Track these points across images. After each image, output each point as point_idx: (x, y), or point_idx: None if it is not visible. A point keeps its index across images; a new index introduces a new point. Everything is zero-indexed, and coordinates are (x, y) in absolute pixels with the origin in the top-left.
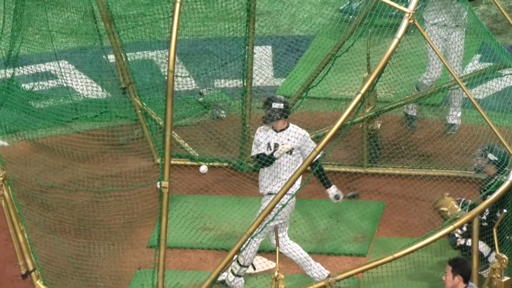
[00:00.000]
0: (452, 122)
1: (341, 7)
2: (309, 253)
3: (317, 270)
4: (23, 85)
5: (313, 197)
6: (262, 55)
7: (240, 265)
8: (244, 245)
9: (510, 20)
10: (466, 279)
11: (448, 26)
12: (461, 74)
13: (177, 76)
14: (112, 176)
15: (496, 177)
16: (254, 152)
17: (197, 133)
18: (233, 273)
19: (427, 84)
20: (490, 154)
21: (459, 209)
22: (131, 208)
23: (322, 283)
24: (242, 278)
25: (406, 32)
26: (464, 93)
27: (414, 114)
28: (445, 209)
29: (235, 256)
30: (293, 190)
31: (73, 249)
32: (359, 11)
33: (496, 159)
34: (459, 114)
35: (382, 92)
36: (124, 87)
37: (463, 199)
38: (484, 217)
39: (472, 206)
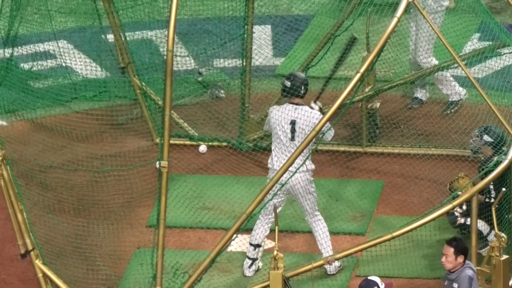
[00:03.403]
0: (453, 100)
1: None
2: (308, 232)
3: (329, 250)
4: (22, 64)
5: (313, 177)
6: (261, 34)
7: (250, 244)
8: (243, 225)
9: None
10: (466, 257)
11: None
12: (427, 60)
13: (176, 55)
14: (111, 155)
15: (494, 157)
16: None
17: (196, 112)
18: (248, 257)
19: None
20: (486, 135)
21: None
22: (130, 188)
23: (321, 262)
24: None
25: (406, 11)
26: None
27: (423, 99)
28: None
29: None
30: (292, 169)
31: (72, 229)
32: None
33: (492, 140)
34: (458, 89)
35: (382, 71)
36: (123, 67)
37: None
38: (493, 195)
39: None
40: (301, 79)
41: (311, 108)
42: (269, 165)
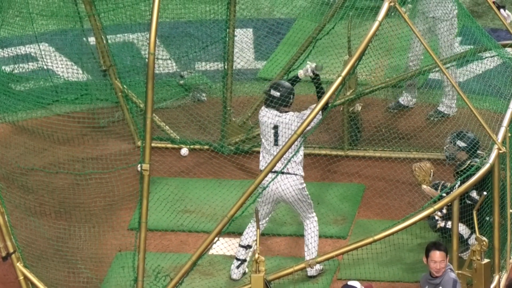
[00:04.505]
0: (442, 110)
1: None
2: (289, 235)
3: (314, 254)
4: (3, 67)
5: (303, 184)
6: (243, 37)
7: (240, 246)
8: (224, 228)
9: (491, 2)
10: None
11: (426, 15)
12: (453, 74)
13: (157, 58)
14: (92, 158)
15: (468, 161)
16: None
17: (178, 115)
18: (236, 258)
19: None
20: (459, 141)
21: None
22: (111, 191)
23: (302, 265)
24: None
25: (387, 14)
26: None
27: (404, 104)
28: (427, 164)
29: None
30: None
31: (54, 232)
32: None
33: (465, 145)
34: (453, 104)
35: (363, 75)
36: (104, 70)
37: (442, 182)
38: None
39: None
40: (289, 89)
41: (308, 70)
42: (260, 167)
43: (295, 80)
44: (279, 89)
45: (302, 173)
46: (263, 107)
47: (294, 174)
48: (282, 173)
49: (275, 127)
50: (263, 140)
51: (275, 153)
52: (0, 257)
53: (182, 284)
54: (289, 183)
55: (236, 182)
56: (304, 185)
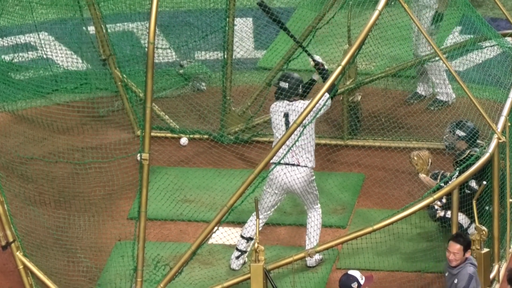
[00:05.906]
0: (441, 99)
1: None
2: (289, 225)
3: (314, 243)
4: (2, 56)
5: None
6: (243, 27)
7: (242, 237)
8: (224, 217)
9: None
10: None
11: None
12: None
13: (157, 48)
14: (92, 148)
15: (468, 151)
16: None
17: (178, 105)
18: (237, 249)
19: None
20: (458, 130)
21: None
22: (111, 180)
23: (302, 254)
24: (239, 257)
25: (387, 4)
26: (442, 66)
27: (424, 95)
28: (425, 153)
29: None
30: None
31: (53, 221)
32: None
33: (465, 134)
34: (449, 91)
35: (363, 64)
36: (104, 59)
37: (442, 171)
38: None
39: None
40: (297, 79)
41: (315, 62)
42: (273, 160)
43: (311, 83)
44: (287, 80)
45: (313, 165)
46: (275, 102)
47: (305, 166)
48: (293, 165)
49: (286, 116)
50: (274, 131)
51: (287, 143)
52: (0, 246)
53: (182, 273)
54: (300, 174)
55: (236, 172)
56: (314, 177)
